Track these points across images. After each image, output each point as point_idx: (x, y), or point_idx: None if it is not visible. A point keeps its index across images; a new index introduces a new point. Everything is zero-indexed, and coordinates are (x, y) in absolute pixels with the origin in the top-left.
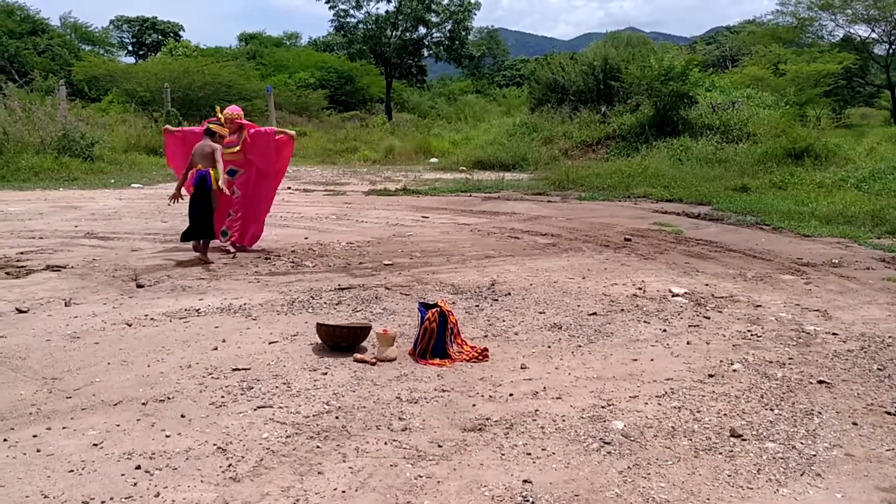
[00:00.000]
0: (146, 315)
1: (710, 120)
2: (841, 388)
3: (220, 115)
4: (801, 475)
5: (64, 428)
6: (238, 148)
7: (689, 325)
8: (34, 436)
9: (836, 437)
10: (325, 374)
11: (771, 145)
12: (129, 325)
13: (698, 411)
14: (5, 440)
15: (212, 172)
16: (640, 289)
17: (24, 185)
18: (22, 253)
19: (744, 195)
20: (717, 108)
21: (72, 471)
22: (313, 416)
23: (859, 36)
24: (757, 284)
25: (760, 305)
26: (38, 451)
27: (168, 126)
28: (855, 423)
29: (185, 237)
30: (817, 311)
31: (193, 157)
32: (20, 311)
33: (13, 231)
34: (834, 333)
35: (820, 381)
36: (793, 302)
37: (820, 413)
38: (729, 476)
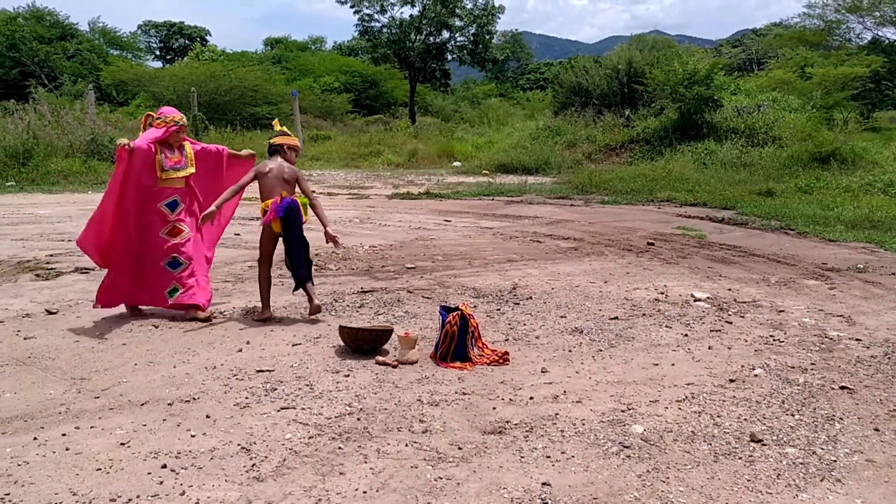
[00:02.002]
0: (172, 317)
1: (735, 123)
2: (863, 394)
3: (280, 127)
4: (821, 481)
5: (92, 427)
6: (190, 170)
7: (711, 330)
8: (63, 435)
9: (857, 442)
10: (348, 376)
11: (797, 149)
12: (156, 327)
13: (719, 416)
14: (35, 439)
15: (299, 200)
16: (662, 293)
17: (54, 189)
18: (51, 255)
19: (768, 199)
20: (742, 112)
21: (99, 469)
22: (335, 417)
23: (888, 39)
24: (780, 289)
25: (783, 310)
26: (67, 449)
27: (123, 142)
28: (877, 429)
29: (301, 283)
30: (841, 316)
31: (266, 181)
32: (50, 313)
33: (43, 234)
34: (857, 339)
35: (842, 387)
36: (816, 307)
37: (841, 419)
38: (748, 481)
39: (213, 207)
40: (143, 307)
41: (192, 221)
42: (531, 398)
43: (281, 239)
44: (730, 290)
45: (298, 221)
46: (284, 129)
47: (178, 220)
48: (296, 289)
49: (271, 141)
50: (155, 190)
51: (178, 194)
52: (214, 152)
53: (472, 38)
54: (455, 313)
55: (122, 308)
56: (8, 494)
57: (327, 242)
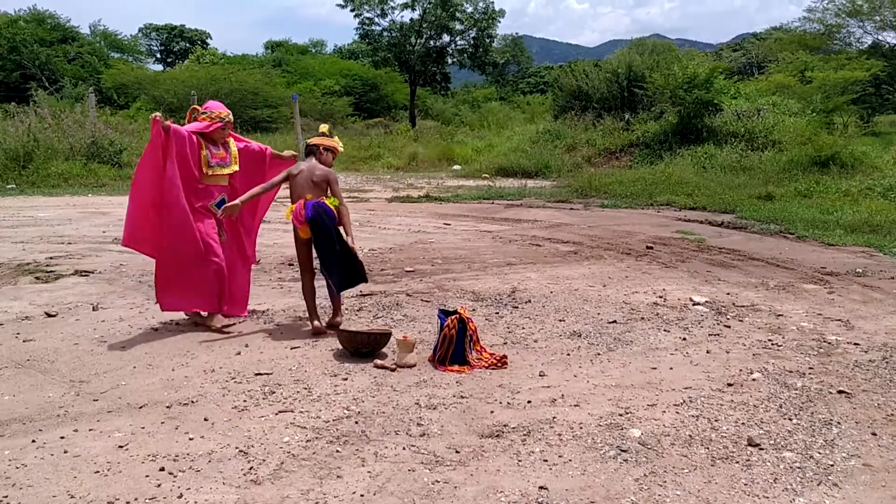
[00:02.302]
0: (171, 320)
1: (735, 127)
2: (861, 399)
3: (325, 131)
4: (818, 485)
5: (90, 430)
6: (234, 167)
7: (710, 334)
8: (62, 437)
9: (854, 447)
10: (346, 379)
11: (796, 153)
12: (155, 330)
13: (716, 420)
14: (34, 441)
15: (328, 202)
16: (660, 297)
17: (54, 192)
18: (51, 258)
19: (768, 203)
20: (742, 116)
21: (98, 472)
22: (333, 420)
23: (888, 43)
24: (779, 293)
25: (782, 315)
26: (66, 452)
27: (158, 115)
28: (874, 434)
29: (344, 285)
30: (839, 320)
31: (295, 183)
32: (49, 315)
33: (43, 236)
34: (856, 343)
35: (840, 391)
36: (815, 311)
37: (839, 423)
38: (745, 485)
39: (237, 202)
40: (202, 312)
41: (230, 223)
42: (529, 402)
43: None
44: (728, 294)
45: (328, 224)
46: (327, 131)
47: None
48: (338, 291)
49: (308, 141)
50: (200, 188)
51: (224, 193)
52: (258, 151)
53: (472, 42)
54: (453, 317)
55: (121, 311)
56: (6, 497)
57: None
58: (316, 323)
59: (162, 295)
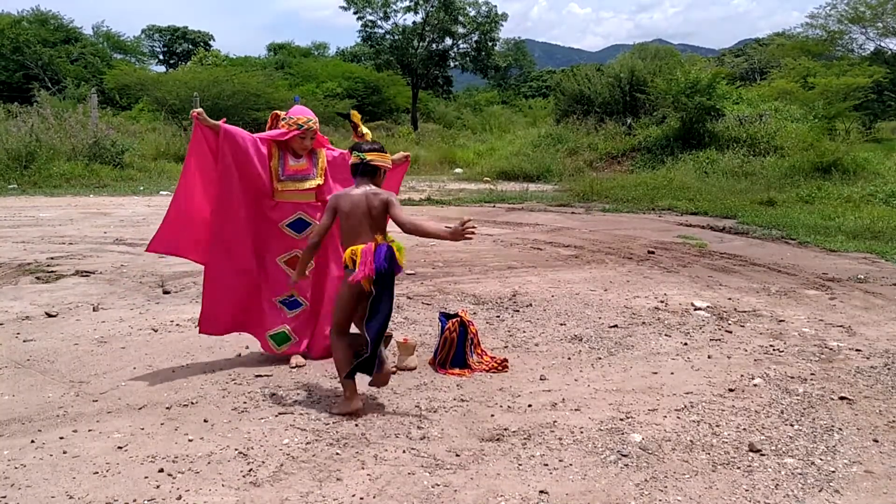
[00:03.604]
0: (172, 321)
1: (737, 133)
2: (862, 405)
3: (364, 129)
4: (820, 491)
5: (90, 430)
6: (317, 181)
7: (711, 339)
8: (61, 438)
9: (856, 453)
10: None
11: (798, 159)
12: (155, 331)
13: (717, 425)
14: (33, 442)
15: (394, 245)
16: (662, 302)
17: (56, 192)
18: (52, 258)
19: (770, 209)
20: (744, 121)
21: (97, 472)
22: (333, 423)
23: (890, 49)
24: (781, 299)
25: (783, 320)
26: (65, 452)
27: (200, 112)
28: (876, 440)
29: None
30: (841, 326)
31: (348, 221)
32: (49, 315)
33: (44, 236)
34: (857, 349)
35: (841, 398)
36: (816, 317)
37: (840, 429)
38: (746, 491)
39: (294, 277)
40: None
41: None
42: (529, 406)
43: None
44: (730, 299)
45: (394, 275)
46: (367, 131)
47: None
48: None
49: (366, 157)
50: (271, 204)
51: (304, 211)
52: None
53: (474, 46)
54: (454, 320)
55: (121, 312)
56: (4, 497)
57: (457, 239)
58: (355, 399)
59: (205, 318)
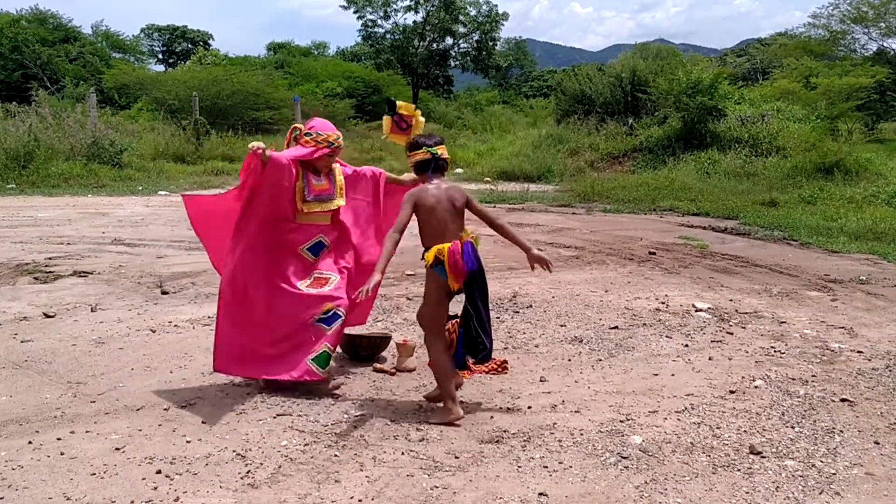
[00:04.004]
0: (170, 321)
1: (739, 133)
2: (864, 407)
3: (417, 115)
4: (820, 493)
5: (87, 432)
6: (340, 202)
7: (712, 341)
8: (58, 439)
9: (857, 455)
10: (345, 383)
11: (800, 159)
12: (154, 332)
13: (718, 427)
14: (30, 443)
15: (475, 241)
16: (663, 303)
17: (54, 192)
18: (50, 258)
19: (772, 210)
20: (746, 122)
21: (94, 474)
22: (332, 424)
23: (893, 49)
24: (782, 300)
25: (785, 322)
26: (62, 454)
27: (259, 146)
28: (877, 443)
29: (484, 357)
30: (843, 328)
31: (432, 217)
32: (47, 316)
33: (42, 236)
34: (859, 351)
35: (843, 399)
36: (818, 319)
37: (841, 431)
38: (747, 493)
39: (376, 276)
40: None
41: (335, 261)
42: (529, 407)
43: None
44: (731, 300)
45: (481, 269)
46: (421, 119)
47: (321, 268)
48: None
49: (436, 152)
50: (292, 227)
51: (324, 233)
52: (370, 177)
53: (475, 45)
54: (454, 321)
55: (119, 312)
56: (2, 498)
57: (533, 268)
58: (455, 409)
59: (220, 359)
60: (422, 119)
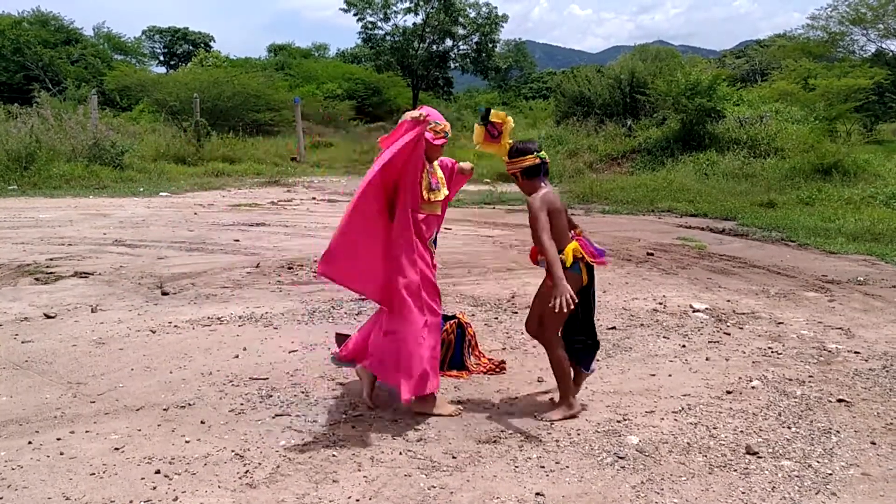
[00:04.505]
0: (170, 322)
1: (738, 134)
2: (860, 407)
3: (508, 125)
4: (817, 494)
5: (87, 432)
6: (445, 193)
7: (709, 341)
8: (58, 439)
9: (853, 456)
10: (343, 383)
11: (799, 161)
12: (154, 332)
13: (714, 428)
14: (30, 443)
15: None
16: (660, 304)
17: (55, 193)
18: (51, 259)
19: (770, 211)
20: (745, 123)
21: (93, 474)
22: (330, 424)
23: (892, 51)
24: (780, 301)
25: (782, 322)
26: (62, 453)
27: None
28: (873, 443)
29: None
30: (840, 328)
31: (560, 219)
32: (48, 317)
33: (43, 237)
34: (856, 352)
35: (840, 400)
36: (815, 319)
37: (838, 432)
38: (743, 493)
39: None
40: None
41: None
42: (527, 407)
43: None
44: (729, 301)
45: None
46: (510, 120)
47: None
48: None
49: (544, 156)
50: (420, 219)
51: (438, 225)
52: (450, 167)
53: (475, 47)
54: (452, 321)
55: (119, 313)
56: (1, 498)
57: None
58: (577, 403)
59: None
60: (512, 124)
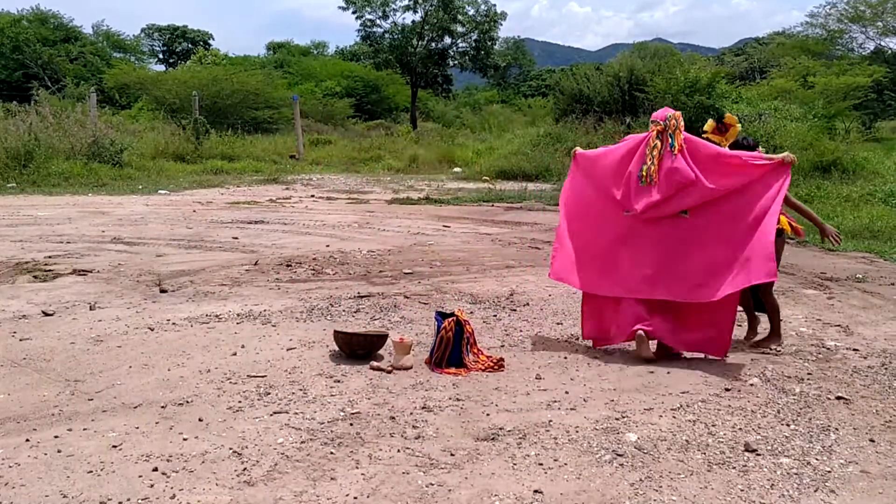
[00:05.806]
0: (168, 320)
1: None
2: (859, 405)
3: (734, 124)
4: (815, 491)
5: (84, 429)
6: None
7: None
8: (55, 436)
9: (852, 453)
10: (341, 381)
11: (797, 158)
12: (152, 330)
13: (713, 425)
14: (27, 440)
15: None
16: None
17: (54, 191)
18: (50, 257)
19: None
20: (744, 121)
21: (91, 471)
22: (328, 422)
23: (890, 48)
24: (778, 298)
25: (781, 319)
26: (59, 451)
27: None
28: (872, 440)
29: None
30: (839, 326)
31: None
32: (46, 314)
33: (42, 235)
34: (855, 349)
35: (838, 397)
36: (814, 317)
37: (837, 429)
38: (742, 491)
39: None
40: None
41: None
42: (525, 405)
43: None
44: None
45: None
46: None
47: None
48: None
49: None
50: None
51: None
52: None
53: (474, 45)
54: (451, 319)
55: (118, 311)
56: None
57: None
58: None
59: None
60: (739, 128)
